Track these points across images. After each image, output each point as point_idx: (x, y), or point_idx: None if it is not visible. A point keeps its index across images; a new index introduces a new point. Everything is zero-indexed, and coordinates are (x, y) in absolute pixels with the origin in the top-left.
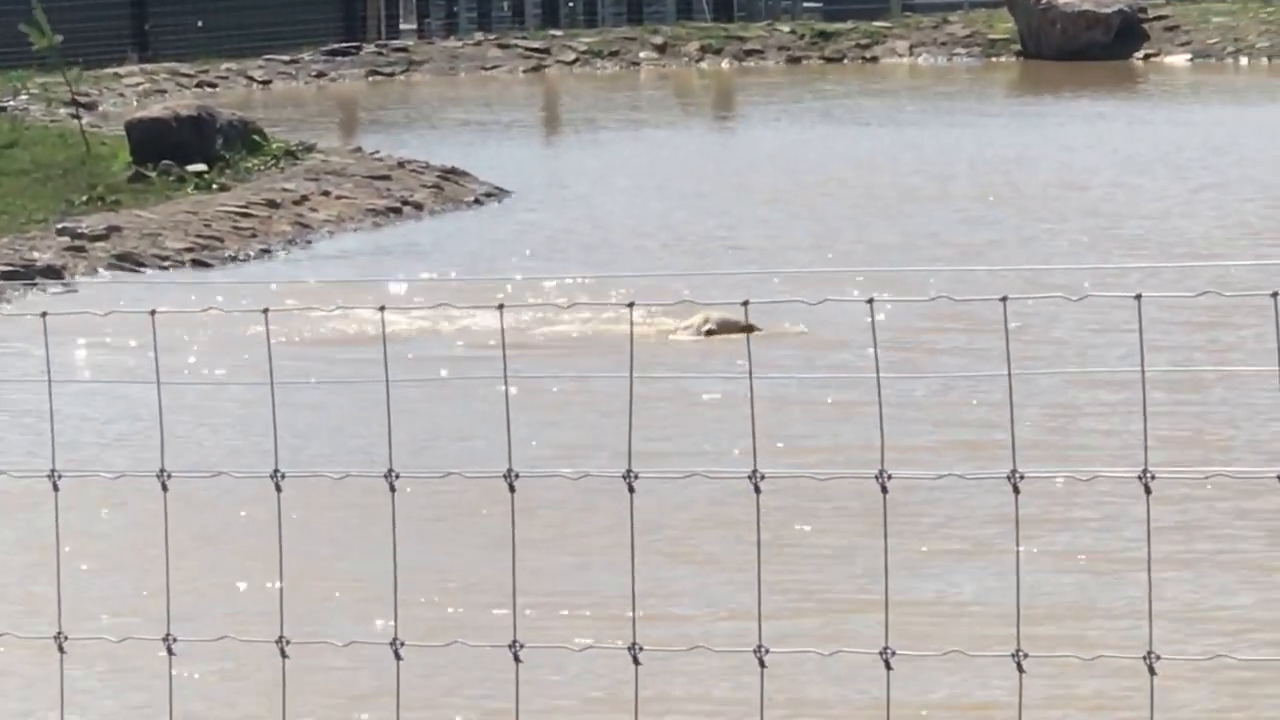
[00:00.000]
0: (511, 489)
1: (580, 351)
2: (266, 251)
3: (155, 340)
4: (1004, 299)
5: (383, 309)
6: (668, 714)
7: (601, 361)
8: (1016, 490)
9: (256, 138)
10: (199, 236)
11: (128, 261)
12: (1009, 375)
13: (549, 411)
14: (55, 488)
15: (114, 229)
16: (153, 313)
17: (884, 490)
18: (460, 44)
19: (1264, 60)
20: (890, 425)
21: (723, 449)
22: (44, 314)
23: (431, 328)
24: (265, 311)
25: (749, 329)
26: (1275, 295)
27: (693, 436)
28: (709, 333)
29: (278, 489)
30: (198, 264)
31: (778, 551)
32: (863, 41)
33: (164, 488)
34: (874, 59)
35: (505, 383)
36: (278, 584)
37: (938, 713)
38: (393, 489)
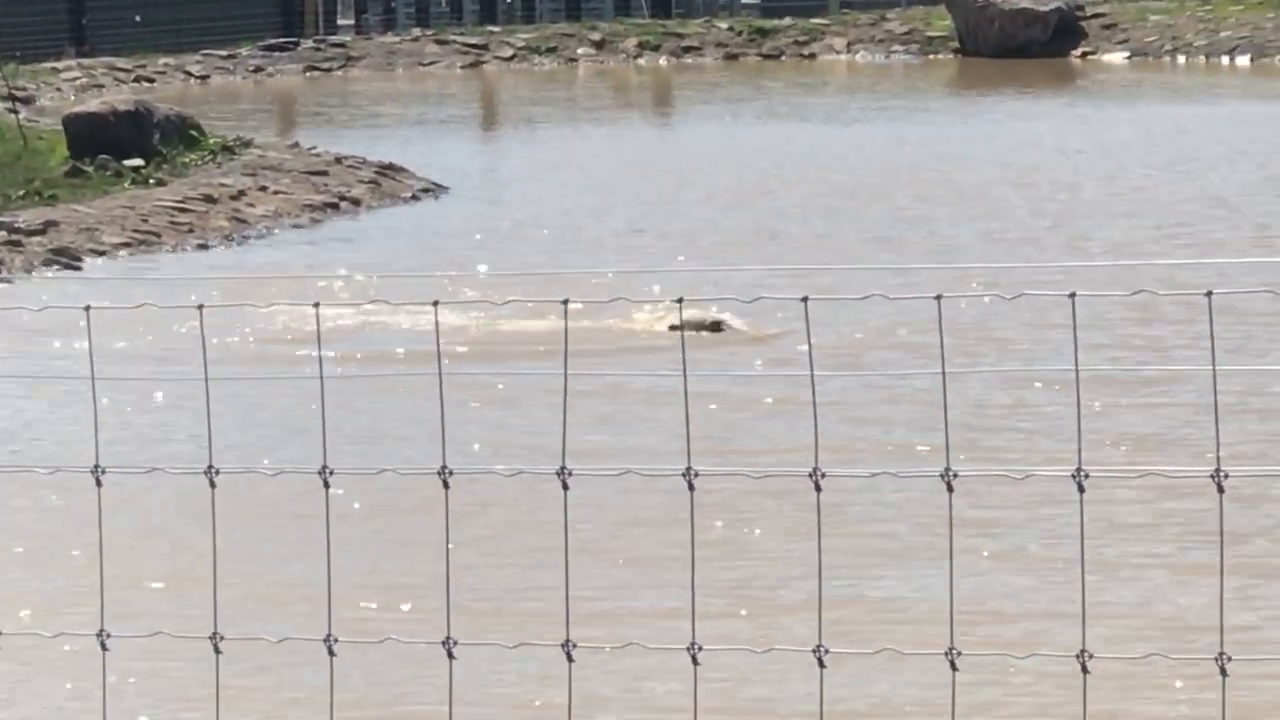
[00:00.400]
0: (445, 485)
1: (539, 349)
2: (204, 246)
3: (90, 336)
4: (939, 297)
5: (317, 305)
6: (601, 714)
7: (555, 360)
8: (950, 489)
9: (194, 133)
10: (136, 231)
11: (64, 256)
12: (943, 374)
13: (497, 409)
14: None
15: (51, 224)
16: (87, 308)
17: (818, 488)
18: (398, 40)
19: (1201, 58)
20: (839, 424)
21: (676, 448)
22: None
23: (389, 323)
24: (200, 308)
25: (715, 327)
26: (1209, 294)
27: (644, 434)
28: (673, 328)
29: (212, 484)
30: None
31: (714, 550)
32: (800, 38)
33: (98, 483)
34: (812, 56)
35: (440, 379)
36: (212, 580)
37: (873, 713)
38: (326, 485)
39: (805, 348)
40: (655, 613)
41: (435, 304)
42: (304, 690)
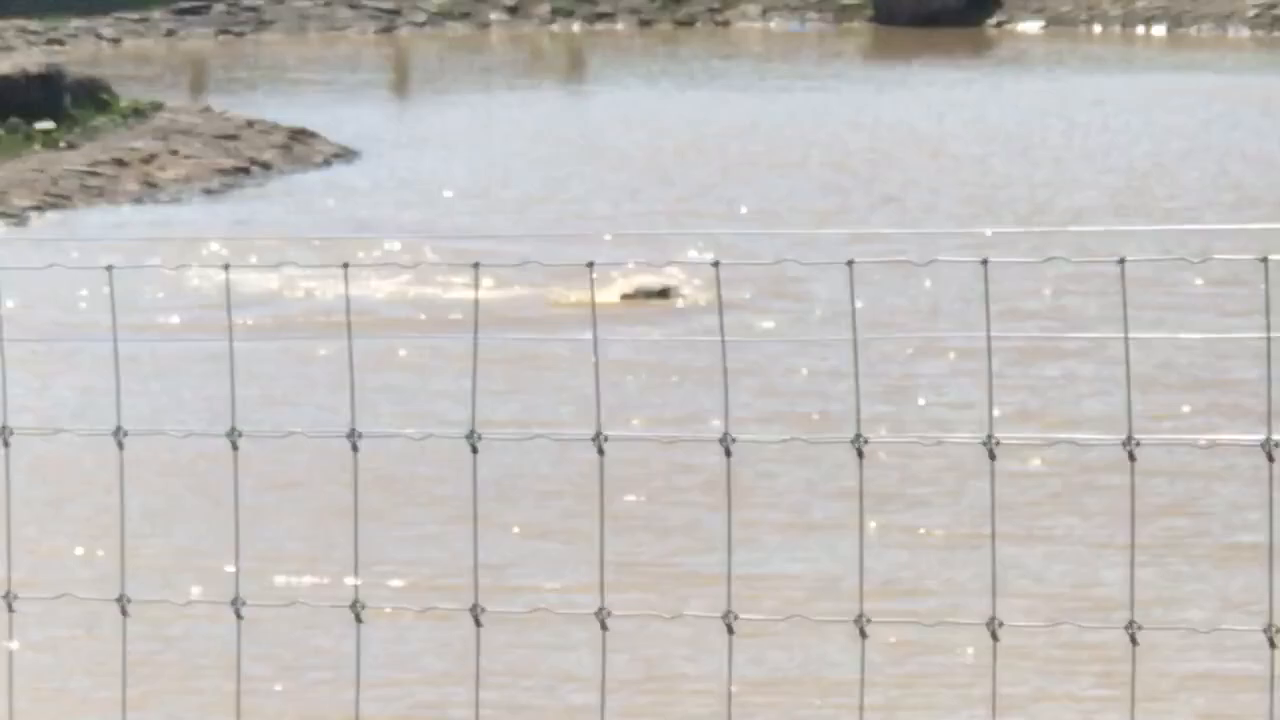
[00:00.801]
0: (355, 448)
1: (471, 318)
2: (114, 209)
3: None
4: (850, 262)
5: (227, 267)
6: (512, 685)
7: (491, 330)
8: (860, 455)
9: (105, 96)
10: (46, 194)
11: None
12: (854, 341)
13: (428, 377)
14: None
15: None
16: None
17: (728, 454)
18: (310, 3)
19: (1117, 28)
20: (750, 393)
21: (611, 415)
22: None
23: (318, 290)
24: (109, 269)
25: (663, 294)
26: (1122, 261)
27: (578, 402)
28: (624, 298)
29: (120, 446)
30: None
31: (622, 522)
32: (714, 5)
33: (4, 444)
34: (725, 23)
35: (349, 344)
36: (118, 544)
37: (781, 682)
38: (235, 447)
39: (766, 312)
40: (563, 585)
41: (345, 266)
42: (211, 656)
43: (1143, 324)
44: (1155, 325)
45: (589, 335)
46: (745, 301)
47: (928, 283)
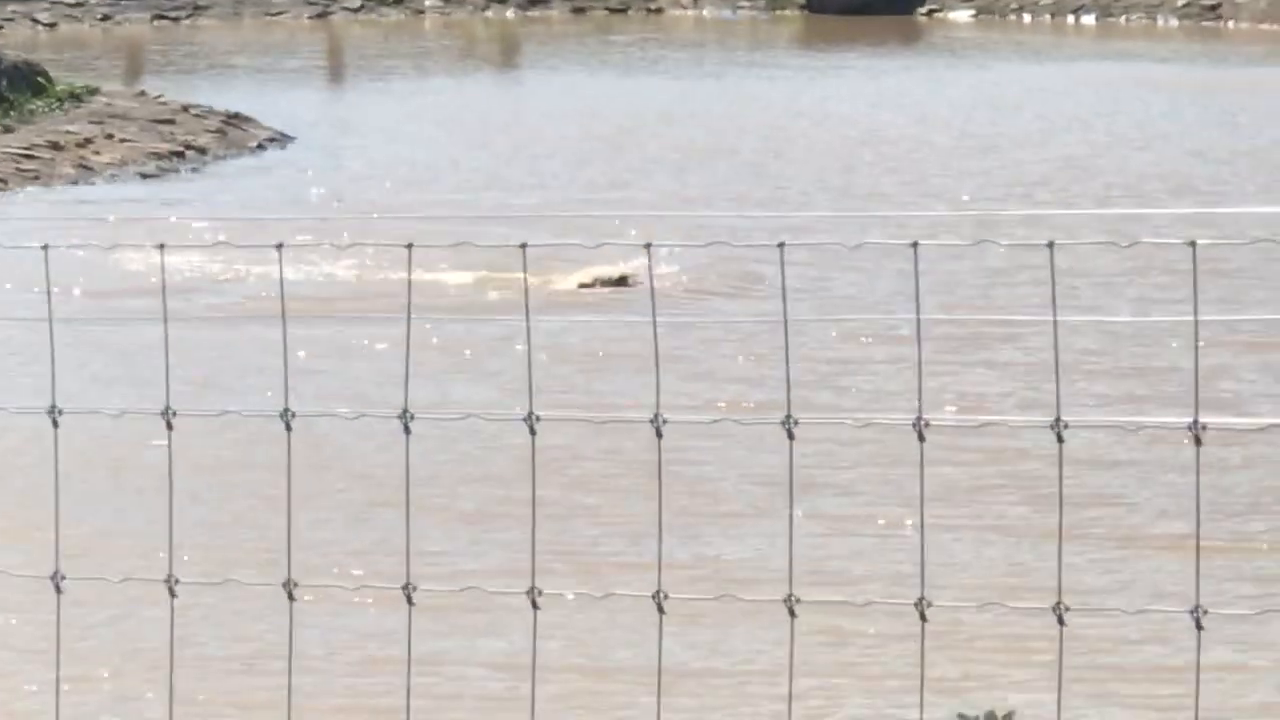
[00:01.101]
0: (288, 428)
1: (442, 302)
2: (48, 192)
3: None
4: (781, 244)
5: (162, 246)
6: (444, 667)
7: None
8: (791, 436)
9: (41, 80)
10: None
11: None
12: (785, 323)
13: (383, 361)
14: None
15: None
16: None
17: (659, 434)
18: None
19: (1047, 17)
20: (683, 379)
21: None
22: None
23: (256, 274)
24: (45, 248)
25: (621, 281)
26: (1051, 245)
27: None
28: (582, 285)
29: (55, 424)
30: None
31: (549, 509)
32: None
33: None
34: (659, 10)
35: (284, 323)
36: (55, 520)
37: (711, 663)
38: (170, 426)
39: (726, 296)
40: (494, 568)
41: (279, 246)
42: (146, 634)
43: (1077, 309)
44: (1090, 311)
45: (520, 319)
46: (708, 288)
47: (860, 264)
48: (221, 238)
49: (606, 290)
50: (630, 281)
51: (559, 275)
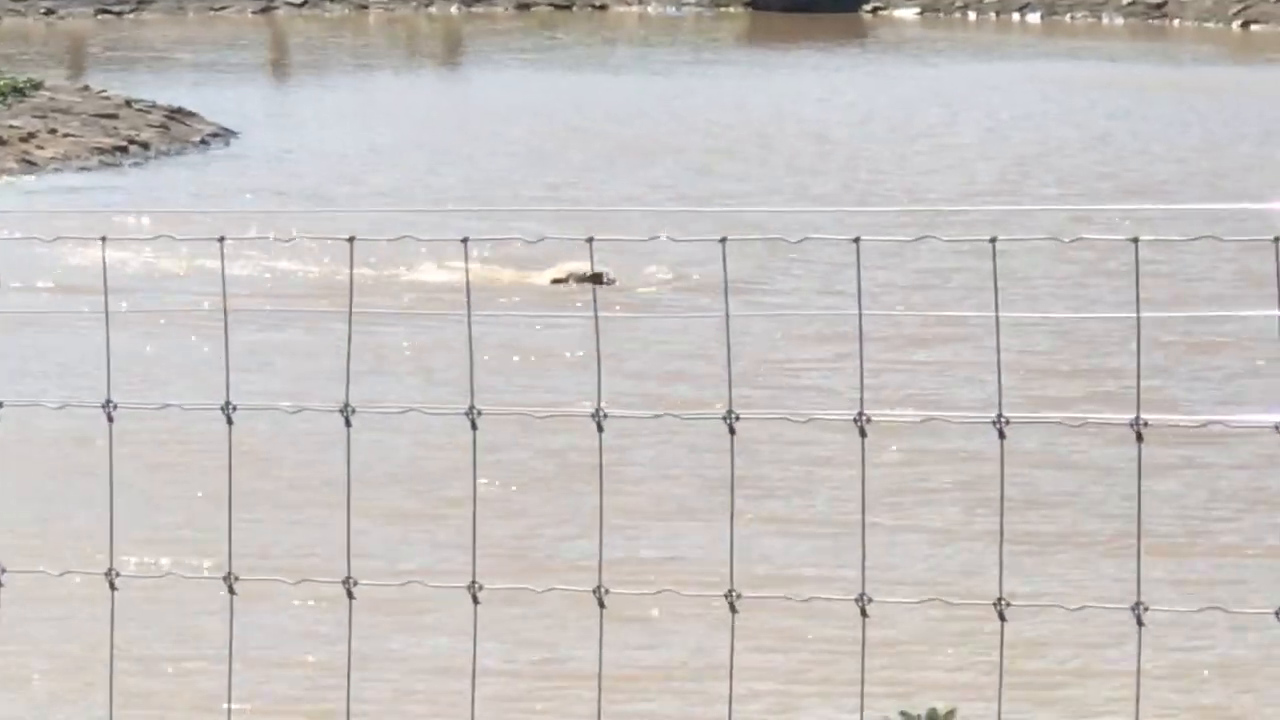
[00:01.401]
0: (230, 421)
1: (436, 298)
2: None
3: None
4: (723, 240)
5: (104, 239)
6: (387, 667)
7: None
8: (732, 431)
9: None
10: None
11: None
12: (726, 317)
13: (327, 359)
14: None
15: None
16: None
17: (600, 429)
18: None
19: (992, 15)
20: (631, 378)
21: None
22: None
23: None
24: None
25: (596, 278)
26: (994, 240)
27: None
28: (555, 281)
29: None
30: None
31: (490, 506)
32: None
33: None
34: (603, 7)
35: (225, 317)
36: None
37: (649, 657)
38: (110, 419)
39: (700, 290)
40: (435, 563)
41: (221, 240)
42: (82, 629)
43: (1019, 305)
44: (1031, 307)
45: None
46: (693, 285)
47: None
48: (163, 233)
49: (579, 286)
50: (605, 279)
51: (530, 270)
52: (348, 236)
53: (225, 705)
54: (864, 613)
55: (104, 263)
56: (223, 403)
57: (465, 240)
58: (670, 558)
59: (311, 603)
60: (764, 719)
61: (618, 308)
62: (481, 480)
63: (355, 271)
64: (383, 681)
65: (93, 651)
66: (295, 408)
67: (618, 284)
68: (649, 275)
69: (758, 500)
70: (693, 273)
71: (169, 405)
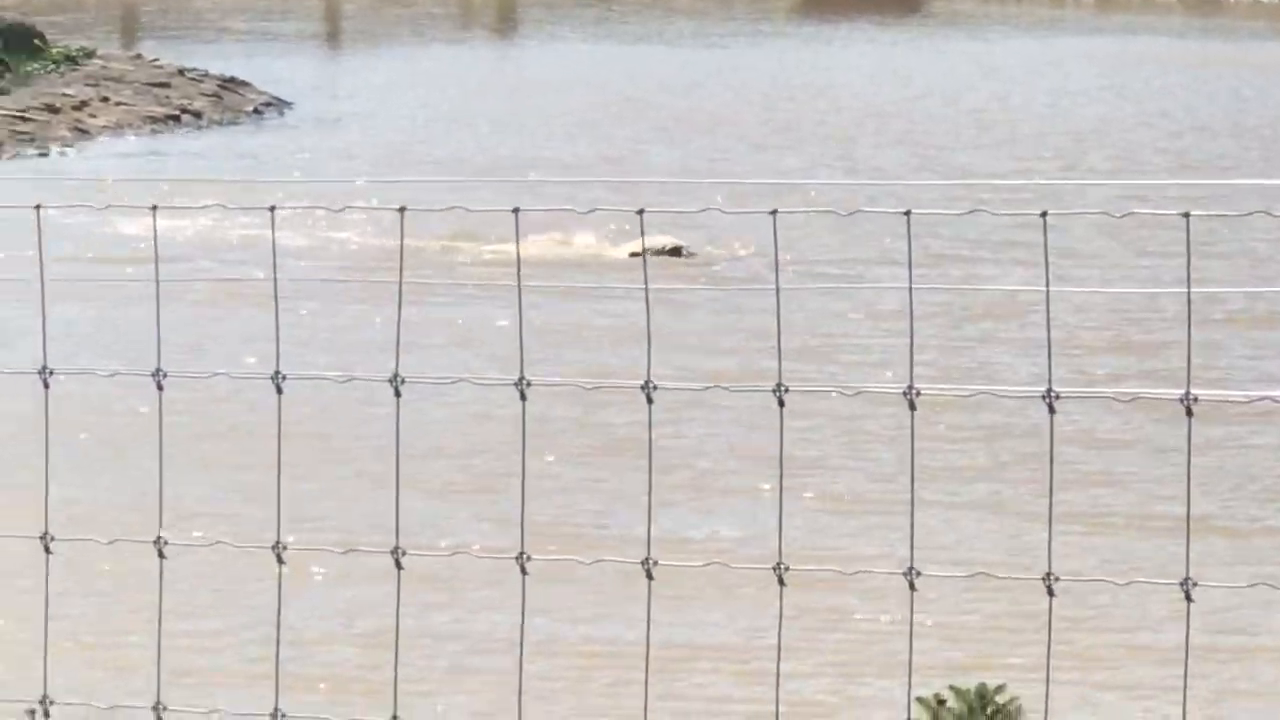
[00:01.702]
0: (279, 390)
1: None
2: (44, 155)
3: None
4: (774, 212)
5: (155, 208)
6: (437, 642)
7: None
8: (781, 404)
9: (37, 42)
10: None
11: None
12: (777, 290)
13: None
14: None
15: None
16: None
17: (649, 400)
18: None
19: None
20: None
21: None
22: (37, 206)
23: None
24: (38, 208)
25: (675, 251)
26: (1044, 215)
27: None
28: (633, 255)
29: (45, 385)
30: None
31: (545, 484)
32: None
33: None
34: None
35: (275, 287)
36: (44, 483)
37: (701, 635)
38: (160, 387)
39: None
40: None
41: (271, 209)
42: (135, 596)
43: (1073, 281)
44: (1084, 282)
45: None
46: (740, 258)
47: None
48: (217, 201)
49: (658, 259)
50: (684, 252)
51: (612, 244)
52: (399, 207)
53: (273, 674)
54: (912, 586)
55: (155, 231)
56: (272, 372)
57: (516, 210)
58: (716, 534)
59: (354, 575)
60: (817, 697)
61: (702, 280)
62: (549, 457)
63: (450, 243)
64: (432, 655)
65: (142, 621)
66: (344, 377)
67: (697, 257)
68: (730, 250)
69: (806, 476)
70: (779, 249)
71: (218, 374)
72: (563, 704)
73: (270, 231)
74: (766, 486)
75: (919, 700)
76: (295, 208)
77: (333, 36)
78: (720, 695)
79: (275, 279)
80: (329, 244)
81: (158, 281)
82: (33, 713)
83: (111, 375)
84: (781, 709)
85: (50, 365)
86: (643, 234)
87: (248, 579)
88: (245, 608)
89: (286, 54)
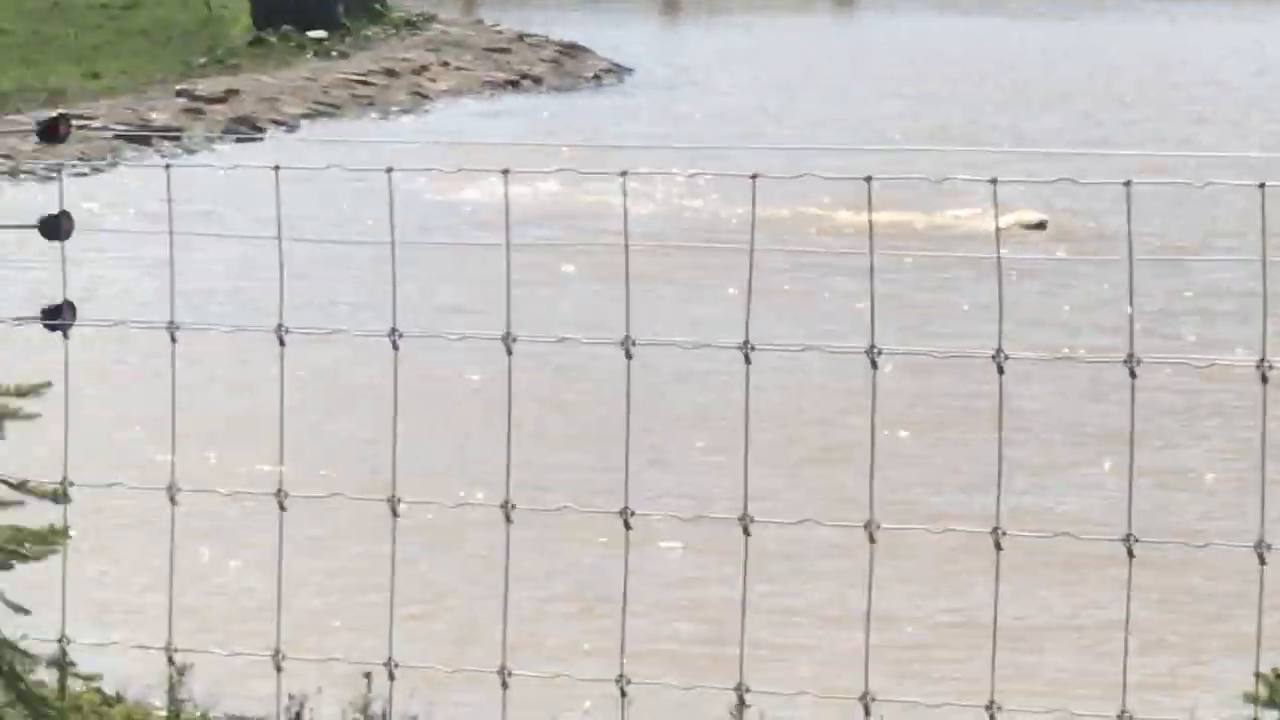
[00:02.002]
0: (395, 347)
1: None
2: (383, 119)
3: (278, 197)
4: (1127, 183)
5: (506, 172)
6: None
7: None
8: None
9: (378, 6)
10: (317, 102)
11: (245, 125)
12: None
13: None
14: (173, 339)
15: (232, 92)
16: (276, 168)
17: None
18: None
19: None
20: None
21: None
22: (167, 165)
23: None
24: (389, 171)
25: (1040, 225)
26: (1262, 186)
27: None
28: (1005, 227)
29: (395, 347)
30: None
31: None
32: None
33: (281, 342)
34: None
35: (625, 254)
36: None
37: (1042, 610)
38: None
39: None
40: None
41: (623, 174)
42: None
43: None
44: None
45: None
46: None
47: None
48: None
49: (1024, 232)
50: (1047, 226)
51: (981, 218)
52: (751, 174)
53: (617, 645)
54: (1262, 560)
55: (506, 197)
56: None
57: (869, 179)
58: (1052, 509)
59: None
60: (1157, 679)
61: (1061, 253)
62: (902, 432)
63: (801, 210)
64: (779, 626)
65: (485, 588)
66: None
67: (1063, 231)
68: (1099, 223)
69: (1145, 451)
70: (1147, 224)
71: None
72: (906, 676)
73: (619, 198)
74: (1107, 465)
75: (1258, 675)
76: (645, 173)
77: (670, 5)
78: (1062, 667)
79: (626, 246)
80: (681, 210)
81: (508, 245)
82: (368, 675)
83: (462, 338)
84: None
85: (399, 329)
86: (995, 205)
87: (592, 545)
88: (580, 570)
89: (625, 22)
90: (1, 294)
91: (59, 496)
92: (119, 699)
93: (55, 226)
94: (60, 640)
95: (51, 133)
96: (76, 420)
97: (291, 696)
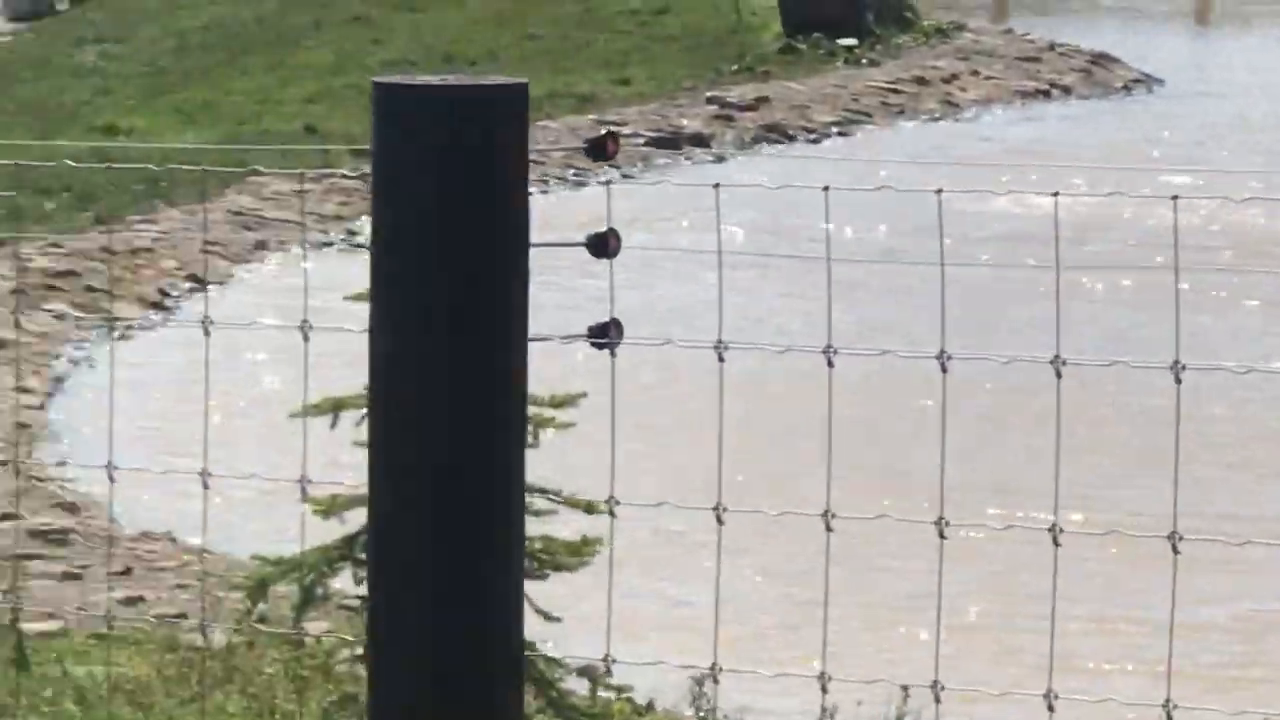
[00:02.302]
0: (720, 359)
1: None
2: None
3: (827, 216)
4: None
5: (1056, 194)
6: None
7: None
8: (944, 369)
9: (908, 15)
10: (846, 110)
11: (775, 132)
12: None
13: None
14: (720, 359)
15: (762, 99)
16: (826, 189)
17: (830, 364)
18: None
19: None
20: None
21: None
22: (716, 185)
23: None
24: (939, 193)
25: None
26: None
27: None
28: None
29: (943, 370)
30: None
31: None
32: None
33: (829, 364)
34: None
35: (1175, 276)
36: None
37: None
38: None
39: None
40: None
41: (1174, 199)
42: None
43: None
44: None
45: None
46: None
47: None
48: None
49: None
50: None
51: None
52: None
53: (1164, 667)
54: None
55: (1055, 220)
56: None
57: None
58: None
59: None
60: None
61: None
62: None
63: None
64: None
65: (1033, 604)
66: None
67: None
68: None
69: None
70: None
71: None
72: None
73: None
74: None
75: None
76: (1193, 196)
77: (1201, 15)
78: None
79: (1176, 269)
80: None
81: (1058, 265)
82: (906, 688)
83: (1008, 362)
84: None
85: (948, 350)
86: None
87: (1140, 565)
88: (1131, 593)
89: (1155, 32)
90: (553, 308)
91: (595, 509)
92: (649, 708)
93: (603, 244)
94: (605, 659)
95: (599, 149)
96: (625, 433)
97: (824, 710)
